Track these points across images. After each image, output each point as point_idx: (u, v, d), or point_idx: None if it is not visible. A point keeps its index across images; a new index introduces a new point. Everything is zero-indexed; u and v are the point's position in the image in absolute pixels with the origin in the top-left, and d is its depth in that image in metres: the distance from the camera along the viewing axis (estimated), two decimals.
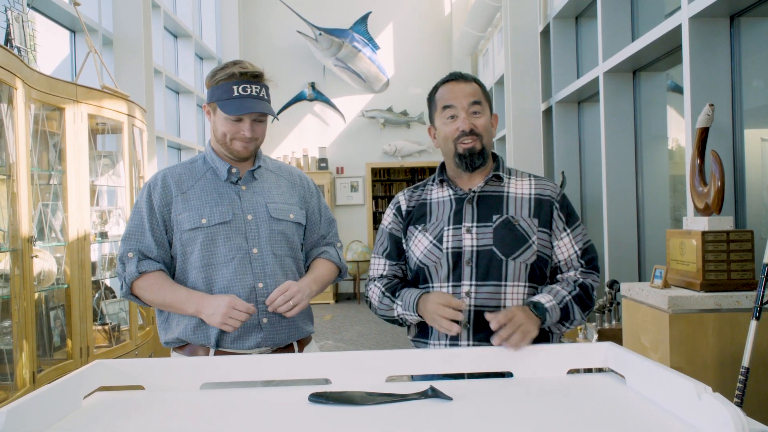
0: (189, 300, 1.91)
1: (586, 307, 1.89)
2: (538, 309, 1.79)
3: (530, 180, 1.95)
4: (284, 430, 1.35)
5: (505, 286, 1.84)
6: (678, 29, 3.59)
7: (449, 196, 1.93)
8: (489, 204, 1.89)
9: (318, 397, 1.50)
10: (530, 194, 1.91)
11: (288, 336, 2.01)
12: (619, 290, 3.78)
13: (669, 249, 3.00)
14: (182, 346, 1.99)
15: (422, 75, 10.57)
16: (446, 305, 1.75)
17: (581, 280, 1.89)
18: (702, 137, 2.91)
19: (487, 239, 1.85)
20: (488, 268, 1.84)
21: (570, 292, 1.85)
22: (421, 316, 1.84)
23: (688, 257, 2.82)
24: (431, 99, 1.98)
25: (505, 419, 1.38)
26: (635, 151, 4.77)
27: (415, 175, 12.75)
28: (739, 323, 2.63)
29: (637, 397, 1.50)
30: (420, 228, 1.93)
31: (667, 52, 4.19)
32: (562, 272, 1.92)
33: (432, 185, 1.99)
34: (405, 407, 1.46)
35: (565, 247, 1.90)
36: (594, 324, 3.97)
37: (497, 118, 1.98)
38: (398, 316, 1.91)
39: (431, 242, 1.89)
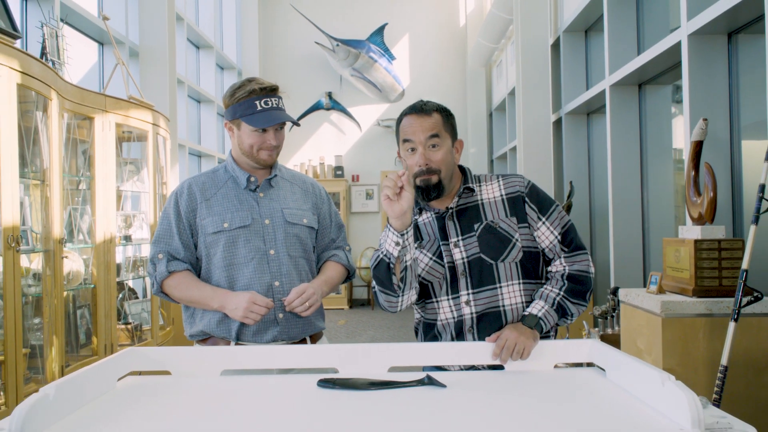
0: (214, 296, 2.10)
1: (581, 293, 1.97)
2: (529, 319, 1.91)
3: (498, 181, 2.04)
4: (294, 411, 1.52)
5: (500, 287, 1.96)
6: (678, 46, 3.74)
7: (431, 216, 2.04)
8: (468, 215, 2.00)
9: (325, 383, 1.68)
10: (501, 195, 2.01)
11: (302, 331, 2.19)
12: None
13: (665, 256, 3.15)
14: (205, 339, 2.17)
15: (437, 85, 10.75)
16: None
17: (567, 270, 1.98)
18: (696, 150, 3.05)
19: (473, 248, 1.96)
20: (481, 275, 1.96)
21: (560, 291, 1.96)
22: (394, 227, 1.85)
23: (682, 264, 2.97)
24: (397, 126, 2.03)
25: (492, 404, 1.55)
26: (641, 161, 4.90)
27: None
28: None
29: (614, 387, 1.66)
30: (416, 246, 2.01)
31: (670, 66, 4.33)
32: (549, 258, 2.02)
33: (415, 213, 2.06)
34: (403, 393, 1.63)
35: (544, 235, 1.99)
36: (597, 329, 4.11)
37: (462, 144, 2.04)
38: (383, 253, 1.90)
39: (431, 258, 2.00)
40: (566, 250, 2.00)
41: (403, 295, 1.95)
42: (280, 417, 1.48)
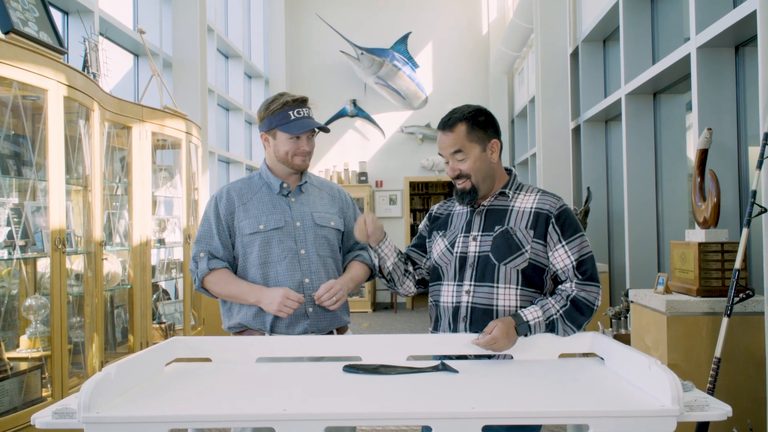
0: (250, 292, 2.31)
1: (576, 320, 2.08)
2: (521, 326, 2.03)
3: (536, 195, 2.19)
4: (322, 392, 1.72)
5: (497, 288, 2.11)
6: (687, 58, 3.89)
7: (467, 208, 2.24)
8: (494, 216, 2.17)
9: (350, 368, 1.88)
10: (531, 208, 2.15)
11: (329, 324, 2.39)
12: None
13: (672, 258, 3.30)
14: (242, 331, 2.38)
15: (460, 92, 10.92)
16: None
17: (574, 294, 2.09)
18: (702, 158, 3.20)
19: (486, 246, 2.14)
20: (484, 271, 2.12)
21: (560, 309, 2.07)
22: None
23: (687, 266, 3.12)
24: None
25: (501, 385, 1.74)
26: (655, 168, 5.04)
27: (451, 189, 13.08)
28: (730, 325, 2.91)
29: (611, 373, 1.84)
30: (441, 234, 2.26)
31: (683, 76, 4.48)
32: (561, 281, 2.14)
33: (455, 203, 2.31)
34: (420, 377, 1.83)
35: (560, 258, 2.11)
36: (611, 329, 4.26)
37: (497, 144, 2.19)
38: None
39: (445, 246, 2.22)
40: (580, 277, 2.10)
41: (397, 287, 2.35)
42: (310, 396, 1.67)
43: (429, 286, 2.30)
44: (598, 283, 2.12)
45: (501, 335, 1.99)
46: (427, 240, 2.35)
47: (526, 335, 2.05)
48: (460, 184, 2.18)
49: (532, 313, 2.06)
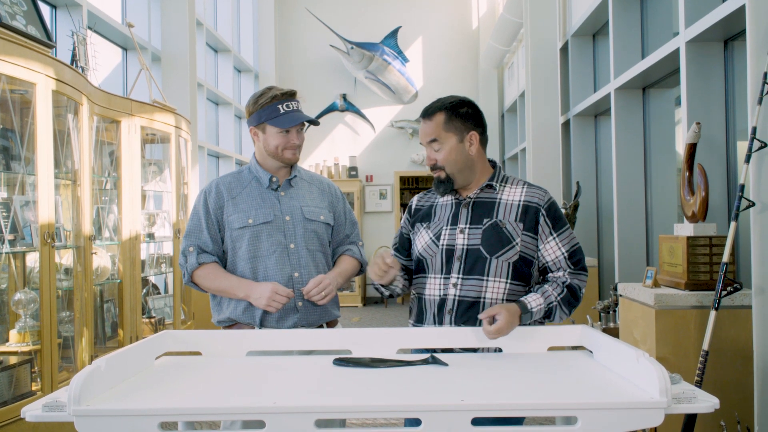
0: (240, 286, 2.31)
1: (571, 305, 2.14)
2: (526, 316, 2.05)
3: (523, 188, 2.20)
4: (312, 385, 1.72)
5: (487, 280, 2.12)
6: (677, 52, 3.91)
7: (451, 200, 2.24)
8: (482, 209, 2.17)
9: (341, 362, 1.88)
10: (519, 200, 2.16)
11: (319, 318, 2.39)
12: None
13: (661, 252, 3.32)
14: (231, 325, 2.38)
15: (450, 87, 10.91)
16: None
17: (569, 281, 2.14)
18: (690, 152, 3.22)
19: (476, 239, 2.14)
20: (474, 264, 2.12)
21: (558, 295, 2.11)
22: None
23: (676, 259, 3.14)
24: None
25: (490, 378, 1.74)
26: (644, 163, 5.06)
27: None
28: (718, 319, 2.94)
29: (600, 366, 1.85)
30: (425, 226, 2.25)
31: (672, 71, 4.49)
32: (551, 272, 2.17)
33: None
34: (410, 370, 1.83)
35: (552, 250, 2.15)
36: (600, 323, 4.28)
37: (476, 137, 2.17)
38: (374, 285, 2.35)
39: (431, 238, 2.21)
40: (572, 267, 2.15)
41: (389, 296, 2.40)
42: (300, 389, 1.68)
43: (412, 279, 2.30)
44: (587, 272, 2.20)
45: (506, 326, 2.00)
46: (410, 233, 2.33)
47: (525, 323, 2.07)
48: (435, 174, 2.19)
49: (535, 300, 2.09)
